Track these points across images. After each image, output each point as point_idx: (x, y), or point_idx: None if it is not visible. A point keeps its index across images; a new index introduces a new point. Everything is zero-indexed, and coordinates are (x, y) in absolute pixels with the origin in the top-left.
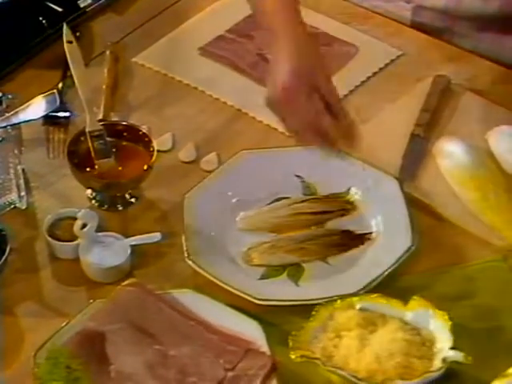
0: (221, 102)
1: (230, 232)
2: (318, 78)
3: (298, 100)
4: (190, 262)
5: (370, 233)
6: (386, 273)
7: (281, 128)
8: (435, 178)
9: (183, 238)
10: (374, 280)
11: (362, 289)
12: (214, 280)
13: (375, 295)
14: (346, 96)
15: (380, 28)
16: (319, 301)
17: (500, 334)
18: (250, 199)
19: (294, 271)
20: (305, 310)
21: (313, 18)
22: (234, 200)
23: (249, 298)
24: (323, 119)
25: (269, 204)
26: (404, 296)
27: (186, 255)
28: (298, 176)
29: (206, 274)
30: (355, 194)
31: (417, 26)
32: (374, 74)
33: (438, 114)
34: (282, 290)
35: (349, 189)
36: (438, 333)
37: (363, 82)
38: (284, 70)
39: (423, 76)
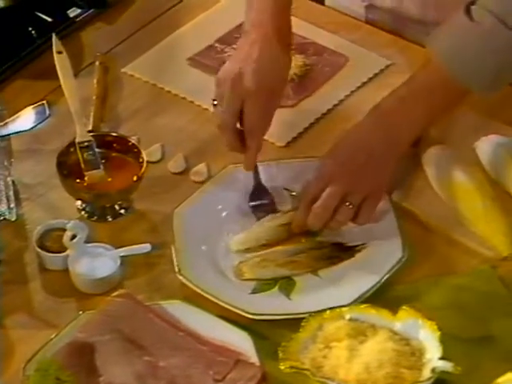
0: (210, 113)
1: (221, 246)
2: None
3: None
4: (180, 277)
5: (361, 245)
6: (378, 285)
7: (270, 139)
8: (424, 187)
9: (173, 252)
10: (365, 292)
11: (353, 301)
12: (206, 295)
13: (365, 305)
14: (335, 106)
15: (369, 37)
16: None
17: (489, 343)
18: (239, 213)
19: (286, 285)
20: (295, 322)
21: (302, 28)
22: (223, 214)
23: (240, 313)
24: None
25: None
26: (393, 306)
27: (176, 270)
28: (286, 189)
29: (197, 289)
30: None
31: (370, 23)
32: (364, 83)
33: None
34: (273, 304)
35: None
36: (427, 343)
37: (353, 92)
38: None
39: None
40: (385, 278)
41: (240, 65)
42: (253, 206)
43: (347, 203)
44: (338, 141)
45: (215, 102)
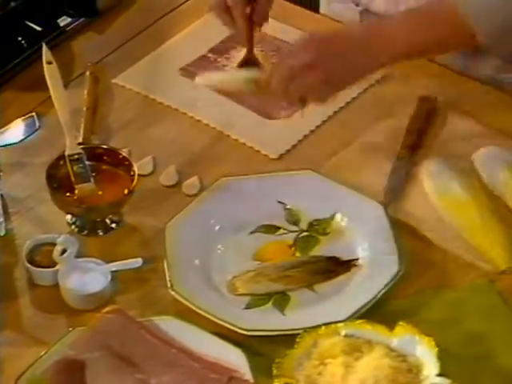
0: (203, 124)
1: (214, 260)
2: None
3: None
4: (173, 293)
5: (357, 259)
6: (375, 300)
7: (263, 151)
8: (421, 200)
9: (165, 267)
10: (362, 307)
11: (349, 317)
12: (199, 311)
13: (360, 321)
14: (329, 117)
15: None
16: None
17: (488, 359)
18: (232, 227)
19: (280, 300)
20: (289, 338)
21: (296, 37)
22: (216, 228)
23: (234, 329)
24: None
25: (252, 232)
26: (390, 321)
27: (169, 285)
28: (280, 202)
29: (189, 305)
30: (340, 220)
31: None
32: (359, 94)
33: (424, 135)
34: (267, 320)
35: (333, 214)
36: (424, 359)
37: (348, 103)
38: None
39: (408, 97)
40: (381, 292)
41: None
42: None
43: (303, 81)
44: None
45: None
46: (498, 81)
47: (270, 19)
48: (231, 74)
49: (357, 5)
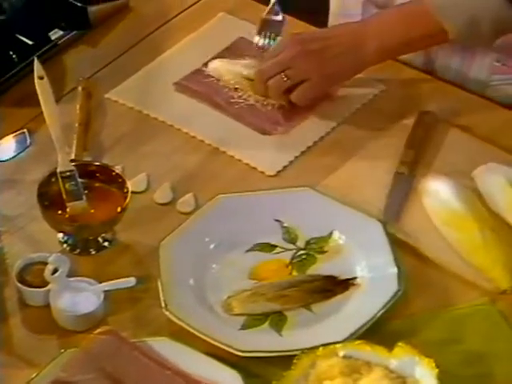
0: (197, 140)
1: (209, 280)
2: None
3: None
4: (167, 313)
5: (355, 278)
6: (373, 320)
7: (260, 167)
8: (420, 218)
9: (159, 287)
10: (360, 328)
11: (348, 337)
12: (193, 331)
13: (359, 342)
14: (327, 133)
15: None
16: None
17: (489, 380)
18: (228, 245)
19: (277, 320)
20: (286, 359)
21: None
22: (211, 246)
23: (230, 350)
24: None
25: (248, 250)
26: (389, 342)
27: (163, 305)
28: (277, 220)
29: (184, 326)
30: (338, 238)
31: None
32: (357, 109)
33: (423, 151)
34: (264, 341)
35: (331, 232)
36: (424, 380)
37: (346, 119)
38: None
39: (408, 112)
40: (380, 312)
41: None
42: None
43: (283, 75)
44: None
45: None
46: (491, 85)
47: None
48: (232, 66)
49: None
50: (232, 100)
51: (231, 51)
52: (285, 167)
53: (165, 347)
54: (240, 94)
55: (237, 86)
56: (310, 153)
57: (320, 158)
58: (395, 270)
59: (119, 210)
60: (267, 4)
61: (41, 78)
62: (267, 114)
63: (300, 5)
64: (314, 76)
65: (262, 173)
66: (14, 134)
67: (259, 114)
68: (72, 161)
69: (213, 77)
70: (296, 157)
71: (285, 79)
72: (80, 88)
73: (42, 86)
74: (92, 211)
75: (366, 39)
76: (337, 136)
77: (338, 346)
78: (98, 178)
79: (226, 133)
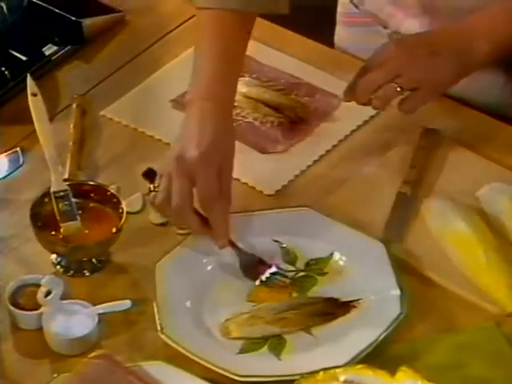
0: None
1: (206, 302)
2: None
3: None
4: (163, 336)
5: (356, 300)
6: (375, 343)
7: (258, 187)
8: (424, 238)
9: (155, 310)
10: (361, 351)
11: (349, 361)
12: (190, 355)
13: (360, 366)
14: (328, 152)
15: None
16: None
17: None
18: (226, 266)
19: (276, 344)
20: (285, 383)
21: (292, 66)
22: (209, 268)
23: (227, 374)
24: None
25: None
26: (391, 366)
27: (158, 329)
28: (276, 241)
29: (180, 349)
30: (339, 259)
31: None
32: (359, 127)
33: (427, 170)
34: (263, 365)
35: (332, 253)
36: None
37: (347, 137)
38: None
39: (411, 129)
40: (382, 336)
41: (182, 144)
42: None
43: (395, 84)
44: None
45: (154, 190)
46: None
47: (265, 47)
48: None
49: (384, 27)
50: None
51: None
52: (284, 186)
53: (161, 372)
54: (238, 111)
55: (235, 104)
56: (311, 172)
57: (320, 177)
58: (398, 292)
59: (114, 230)
60: (269, 18)
61: (34, 95)
62: (266, 131)
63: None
64: (425, 84)
65: (261, 192)
66: (7, 152)
67: (258, 132)
68: (66, 180)
69: None
70: (296, 176)
71: (398, 89)
72: (74, 105)
73: (35, 104)
74: (86, 232)
75: (475, 42)
76: (338, 155)
77: (338, 370)
78: (93, 198)
79: None
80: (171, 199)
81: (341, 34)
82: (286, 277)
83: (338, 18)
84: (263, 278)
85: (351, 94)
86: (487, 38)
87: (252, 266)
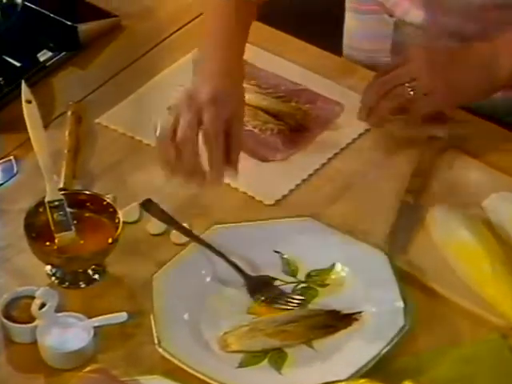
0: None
1: (204, 315)
2: (232, 111)
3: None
4: (160, 350)
5: (359, 312)
6: (378, 357)
7: (258, 196)
8: (428, 249)
9: (152, 322)
10: (364, 365)
11: (351, 375)
12: (188, 369)
13: (363, 380)
14: (329, 160)
15: (366, 83)
16: None
17: None
18: (224, 278)
19: (276, 357)
20: None
21: (293, 72)
22: (207, 279)
23: None
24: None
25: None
26: (395, 380)
27: (156, 342)
28: (277, 252)
29: (178, 363)
30: (340, 270)
31: (396, 46)
32: (360, 135)
33: (431, 178)
34: (263, 379)
35: (333, 264)
36: None
37: (349, 145)
38: (204, 90)
39: (414, 137)
40: (385, 349)
41: (195, 85)
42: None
43: (407, 85)
44: None
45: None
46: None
47: (265, 52)
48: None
49: (391, 15)
50: None
51: None
52: (284, 196)
53: None
54: None
55: None
56: (311, 181)
57: (322, 186)
58: (401, 304)
59: (110, 241)
60: (268, 22)
61: (28, 102)
62: (266, 139)
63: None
64: (440, 91)
65: (261, 202)
66: (1, 161)
67: (258, 140)
68: (61, 190)
69: None
70: (296, 185)
71: (409, 90)
72: (69, 112)
73: (29, 111)
74: (82, 242)
75: (498, 58)
76: (339, 163)
77: None
78: (88, 208)
79: None
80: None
81: (349, 21)
82: (292, 300)
83: (347, 4)
84: (268, 299)
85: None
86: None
87: (258, 287)
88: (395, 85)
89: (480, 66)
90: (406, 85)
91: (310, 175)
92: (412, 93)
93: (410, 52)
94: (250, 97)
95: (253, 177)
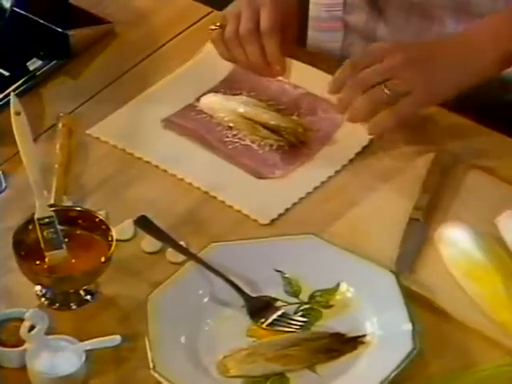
0: (186, 184)
1: (202, 338)
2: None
3: None
4: (155, 375)
5: (365, 335)
6: (386, 382)
7: (253, 215)
8: (437, 269)
9: (147, 345)
10: None
11: None
12: None
13: None
14: (330, 178)
15: None
16: None
17: None
18: (223, 298)
19: (278, 382)
20: None
21: (297, 73)
22: (205, 300)
23: None
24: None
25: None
26: None
27: (151, 366)
28: (278, 270)
29: None
30: (346, 291)
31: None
32: (365, 148)
33: (440, 195)
34: None
35: (338, 284)
36: None
37: (351, 161)
38: None
39: (423, 151)
40: (393, 374)
41: None
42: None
43: (383, 86)
44: None
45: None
46: None
47: None
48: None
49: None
50: (225, 139)
51: (227, 84)
52: (280, 215)
53: None
54: (235, 132)
55: (231, 124)
56: (310, 200)
57: (321, 205)
58: (409, 326)
59: (103, 259)
60: None
61: (17, 113)
62: (264, 155)
63: None
64: (419, 90)
65: (255, 221)
66: None
67: (255, 156)
68: (51, 206)
69: (205, 113)
70: (294, 204)
71: (386, 91)
72: (60, 125)
73: (18, 123)
74: (73, 261)
75: (480, 49)
76: (341, 180)
77: None
78: (80, 225)
79: (218, 176)
80: (237, 31)
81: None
82: (294, 322)
83: (310, 23)
84: (269, 321)
85: (337, 89)
86: (492, 45)
87: (259, 309)
88: (370, 85)
89: (459, 60)
90: (382, 85)
91: (309, 193)
92: (388, 92)
93: (383, 48)
94: (248, 110)
95: (249, 194)
